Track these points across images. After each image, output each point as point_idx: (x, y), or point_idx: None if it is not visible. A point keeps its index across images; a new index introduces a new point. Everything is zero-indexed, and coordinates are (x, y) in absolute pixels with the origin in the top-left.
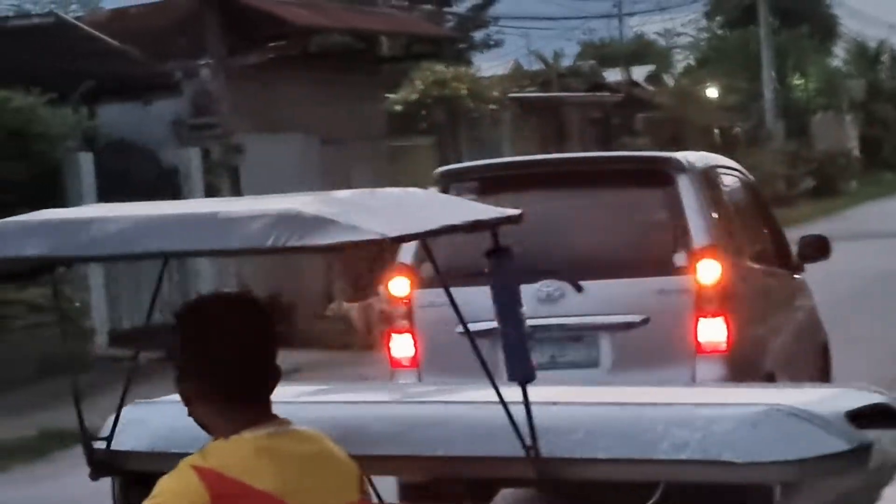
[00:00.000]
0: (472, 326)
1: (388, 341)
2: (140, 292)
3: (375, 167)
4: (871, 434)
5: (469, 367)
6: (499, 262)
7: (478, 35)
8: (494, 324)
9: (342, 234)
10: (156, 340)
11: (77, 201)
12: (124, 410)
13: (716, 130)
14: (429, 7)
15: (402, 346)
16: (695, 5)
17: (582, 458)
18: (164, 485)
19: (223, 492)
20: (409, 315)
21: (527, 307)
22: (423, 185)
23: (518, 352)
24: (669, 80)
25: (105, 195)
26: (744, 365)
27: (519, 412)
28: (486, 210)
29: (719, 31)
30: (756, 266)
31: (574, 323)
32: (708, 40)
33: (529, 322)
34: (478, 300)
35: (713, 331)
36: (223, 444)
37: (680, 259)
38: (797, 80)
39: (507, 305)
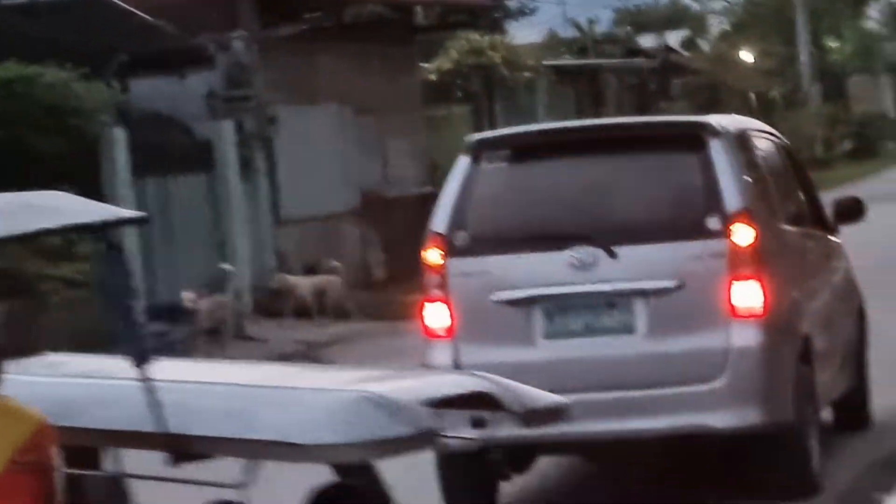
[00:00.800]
0: (508, 294)
1: (422, 311)
2: (175, 266)
3: (411, 137)
4: (452, 419)
5: (505, 336)
6: (110, 259)
7: (512, 3)
8: (531, 291)
9: None
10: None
11: (112, 175)
12: None
13: (752, 95)
14: None
15: (436, 316)
16: None
17: (197, 436)
18: None
19: None
20: (443, 284)
21: (560, 274)
22: (458, 154)
23: (132, 338)
24: (705, 45)
25: (139, 169)
26: (780, 328)
27: (170, 391)
28: (106, 212)
29: None
30: (791, 228)
31: (608, 290)
32: (743, 5)
33: (562, 290)
34: (513, 268)
35: (749, 294)
36: None
37: (714, 223)
38: (833, 43)
39: (120, 299)
